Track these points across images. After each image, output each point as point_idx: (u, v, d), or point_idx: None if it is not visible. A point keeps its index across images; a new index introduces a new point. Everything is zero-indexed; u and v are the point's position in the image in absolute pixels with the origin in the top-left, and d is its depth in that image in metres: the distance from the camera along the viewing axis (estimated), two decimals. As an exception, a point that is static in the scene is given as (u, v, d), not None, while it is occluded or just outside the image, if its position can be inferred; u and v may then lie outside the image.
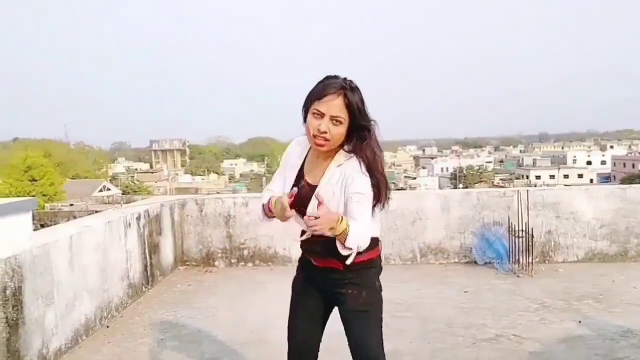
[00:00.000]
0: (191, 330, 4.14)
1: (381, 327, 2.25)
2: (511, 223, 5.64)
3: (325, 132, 2.02)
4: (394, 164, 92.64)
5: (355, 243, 1.98)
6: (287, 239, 6.01)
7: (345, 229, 1.94)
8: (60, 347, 3.66)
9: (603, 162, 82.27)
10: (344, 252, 2.00)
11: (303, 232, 2.06)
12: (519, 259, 5.51)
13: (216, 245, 6.09)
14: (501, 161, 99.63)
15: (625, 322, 4.02)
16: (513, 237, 5.57)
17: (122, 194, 49.83)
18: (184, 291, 5.22)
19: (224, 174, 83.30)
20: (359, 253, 2.05)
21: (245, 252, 6.07)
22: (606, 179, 70.78)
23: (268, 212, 2.24)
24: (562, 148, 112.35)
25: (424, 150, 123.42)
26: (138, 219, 5.03)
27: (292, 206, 2.04)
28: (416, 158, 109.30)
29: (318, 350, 2.42)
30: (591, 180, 70.77)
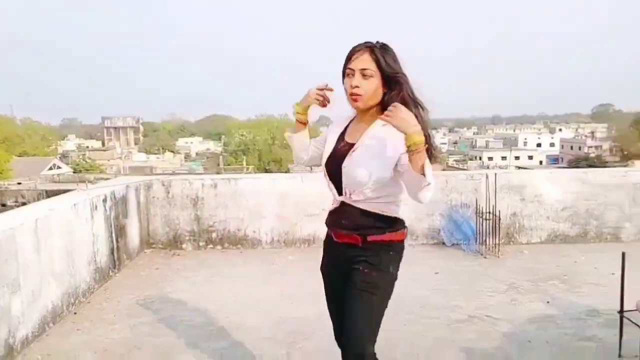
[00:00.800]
0: (164, 316, 4.05)
1: (381, 317, 2.16)
2: (479, 205, 5.74)
3: (358, 87, 2.08)
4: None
5: (431, 177, 1.86)
6: (257, 221, 5.96)
7: (423, 144, 1.84)
8: (27, 336, 3.52)
9: (552, 145, 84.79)
10: (422, 184, 1.86)
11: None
12: (485, 241, 5.63)
13: (183, 227, 5.97)
14: (455, 143, 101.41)
15: (591, 302, 4.16)
16: (480, 219, 5.67)
17: (73, 172, 48.41)
18: (152, 275, 5.11)
19: (179, 153, 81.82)
20: (382, 231, 2.11)
21: (214, 234, 5.98)
22: (555, 160, 73.13)
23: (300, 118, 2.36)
24: (514, 130, 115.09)
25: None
26: (104, 201, 4.87)
27: (328, 167, 2.21)
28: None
29: None
30: (540, 162, 73.01)
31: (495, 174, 5.95)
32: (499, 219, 5.57)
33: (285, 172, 43.28)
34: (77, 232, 4.31)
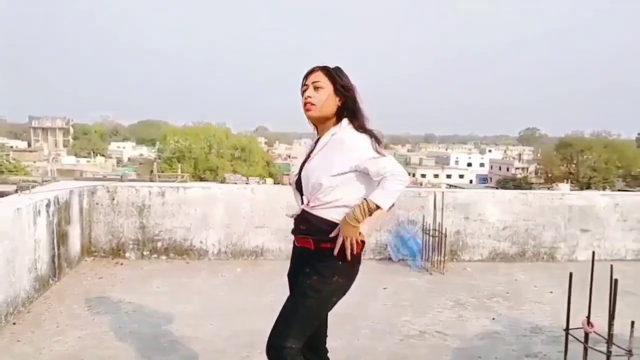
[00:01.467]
0: (111, 327, 3.90)
1: (310, 320, 2.30)
2: (425, 222, 5.88)
3: (310, 97, 2.30)
4: (289, 156, 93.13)
5: (388, 199, 2.23)
6: (204, 231, 5.86)
7: (366, 208, 2.21)
8: (-37, 347, 3.30)
9: (482, 164, 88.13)
10: (389, 211, 2.26)
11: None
12: (430, 257, 5.77)
13: (127, 235, 5.78)
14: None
15: (533, 319, 4.35)
16: (426, 236, 5.81)
17: (-4, 173, 45.79)
18: (96, 284, 4.91)
19: (111, 157, 79.14)
20: (324, 241, 2.27)
21: (159, 244, 5.82)
22: (484, 180, 76.05)
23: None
24: (446, 149, 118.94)
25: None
26: (48, 205, 4.65)
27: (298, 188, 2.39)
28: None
29: (324, 331, 2.61)
30: (471, 181, 75.71)
31: (443, 192, 6.13)
32: (445, 236, 5.73)
33: (221, 181, 42.71)
34: (19, 238, 4.09)
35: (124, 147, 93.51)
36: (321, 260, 2.28)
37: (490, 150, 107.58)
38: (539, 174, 62.83)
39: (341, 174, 2.24)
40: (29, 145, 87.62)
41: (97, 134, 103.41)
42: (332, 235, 2.25)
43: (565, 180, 51.42)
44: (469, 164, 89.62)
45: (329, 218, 2.27)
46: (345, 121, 2.32)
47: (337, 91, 2.31)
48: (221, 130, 62.56)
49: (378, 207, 2.20)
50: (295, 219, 2.40)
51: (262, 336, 3.83)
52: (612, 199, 6.50)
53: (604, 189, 46.12)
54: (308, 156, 2.39)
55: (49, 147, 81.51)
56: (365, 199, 2.22)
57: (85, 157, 76.05)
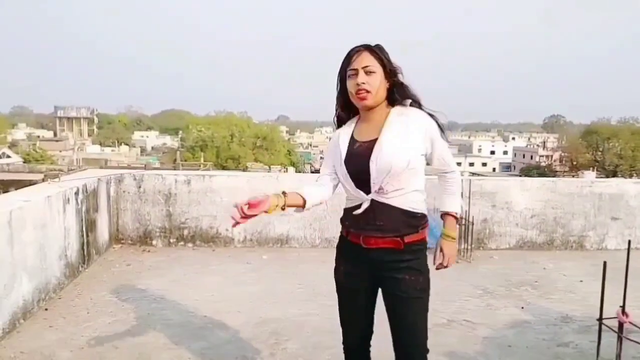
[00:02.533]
0: (140, 314, 3.94)
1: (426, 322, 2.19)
2: (452, 210, 5.81)
3: (364, 83, 2.07)
4: (310, 145, 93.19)
5: (461, 205, 2.30)
6: (230, 219, 5.86)
7: (455, 222, 2.26)
8: (-3, 332, 3.37)
9: (505, 152, 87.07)
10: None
11: (357, 206, 2.10)
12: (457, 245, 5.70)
13: (154, 223, 5.83)
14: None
15: (563, 308, 4.28)
16: (453, 224, 5.75)
17: (23, 162, 46.71)
18: (124, 271, 4.97)
19: (135, 146, 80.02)
20: (415, 230, 2.10)
21: (186, 231, 5.86)
22: (507, 168, 75.19)
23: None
24: (469, 137, 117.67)
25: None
26: (77, 194, 4.70)
27: (349, 168, 2.11)
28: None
29: (371, 338, 2.35)
30: (494, 169, 74.92)
31: (470, 180, 6.06)
32: (472, 224, 5.67)
33: (243, 169, 42.93)
34: (49, 225, 4.15)
35: (147, 137, 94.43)
36: (414, 257, 2.10)
37: (514, 138, 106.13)
38: (563, 162, 61.90)
39: (422, 155, 2.10)
40: (55, 134, 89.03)
41: (121, 123, 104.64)
42: (437, 264, 2.20)
43: (591, 168, 50.55)
44: (492, 152, 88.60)
45: (408, 208, 2.07)
46: (408, 101, 2.16)
47: (387, 74, 2.12)
48: (243, 119, 62.80)
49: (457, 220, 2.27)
50: (358, 214, 2.09)
51: (289, 324, 3.88)
52: (644, 187, 6.35)
53: (630, 176, 45.30)
54: (355, 143, 2.14)
55: (74, 136, 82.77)
56: (448, 213, 2.25)
57: (109, 146, 77.07)
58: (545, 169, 58.94)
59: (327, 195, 2.26)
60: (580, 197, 6.19)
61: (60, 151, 62.03)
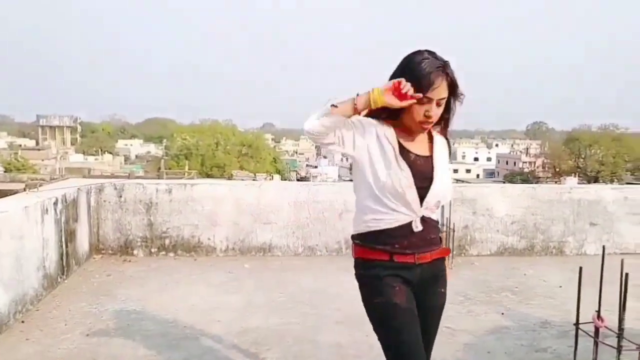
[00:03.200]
0: (119, 325, 3.91)
1: None
2: (433, 218, 5.85)
3: (432, 116, 1.95)
4: (296, 152, 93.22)
5: None
6: (211, 228, 5.86)
7: None
8: (-28, 345, 3.32)
9: (489, 159, 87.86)
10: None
11: (407, 225, 1.98)
12: (438, 252, 5.74)
13: (135, 233, 5.79)
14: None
15: (542, 313, 4.32)
16: (434, 231, 5.78)
17: (4, 171, 46.11)
18: (104, 282, 4.92)
19: (118, 155, 79.45)
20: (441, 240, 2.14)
21: (167, 241, 5.82)
22: (491, 174, 75.81)
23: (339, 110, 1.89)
24: (453, 144, 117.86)
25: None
26: (55, 204, 4.66)
27: (416, 182, 1.95)
28: (317, 147, 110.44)
29: None
30: (478, 176, 75.48)
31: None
32: (453, 231, 5.71)
33: (228, 178, 42.78)
34: (27, 236, 4.10)
35: (131, 145, 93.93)
36: (444, 266, 2.15)
37: (497, 145, 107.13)
38: (546, 168, 62.61)
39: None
40: (37, 143, 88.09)
41: (104, 132, 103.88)
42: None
43: (573, 174, 51.25)
44: (476, 159, 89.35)
45: (436, 218, 2.10)
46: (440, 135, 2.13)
47: (449, 103, 2.01)
48: (228, 127, 62.67)
49: None
50: (413, 232, 1.97)
51: (270, 333, 3.87)
52: (621, 193, 6.45)
53: (612, 182, 45.98)
54: (407, 152, 1.99)
55: (57, 145, 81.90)
56: None
57: (93, 155, 76.45)
58: (529, 175, 59.55)
59: (322, 124, 1.89)
60: (559, 203, 6.26)
61: (43, 160, 61.34)
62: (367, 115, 2.01)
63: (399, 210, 1.95)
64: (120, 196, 5.76)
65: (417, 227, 1.96)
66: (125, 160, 73.73)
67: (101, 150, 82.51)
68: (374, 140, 1.97)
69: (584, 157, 57.13)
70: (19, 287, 3.96)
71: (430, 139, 2.10)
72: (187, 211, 5.83)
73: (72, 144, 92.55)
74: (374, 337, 2.28)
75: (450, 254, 5.66)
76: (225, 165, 53.09)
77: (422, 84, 1.89)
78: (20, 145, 78.87)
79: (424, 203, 1.96)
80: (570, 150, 58.55)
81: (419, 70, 1.90)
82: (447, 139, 2.15)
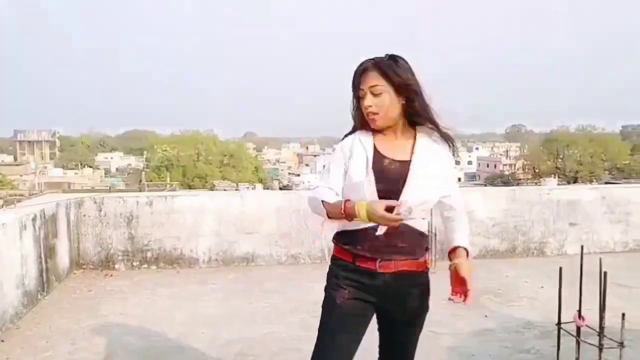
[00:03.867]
0: (102, 341, 3.85)
1: None
2: (415, 222, 5.89)
3: (371, 106, 1.93)
4: (278, 161, 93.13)
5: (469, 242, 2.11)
6: (193, 239, 5.83)
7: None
8: (-50, 367, 3.25)
9: (470, 162, 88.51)
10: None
11: (372, 228, 1.91)
12: (421, 257, 5.77)
13: (116, 247, 5.73)
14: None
15: (525, 314, 4.36)
16: (417, 236, 5.82)
17: (-18, 188, 45.31)
18: (85, 297, 4.86)
19: (98, 168, 78.65)
20: (426, 251, 2.05)
21: (149, 254, 5.78)
22: (472, 177, 76.45)
23: (331, 212, 1.89)
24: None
25: (307, 148, 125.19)
26: (34, 220, 4.60)
27: (379, 187, 1.89)
28: (299, 155, 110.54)
29: None
30: (459, 179, 75.97)
31: (431, 191, 6.13)
32: (435, 235, 5.74)
33: (210, 188, 42.57)
34: (5, 253, 4.03)
35: (111, 158, 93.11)
36: (425, 281, 2.08)
37: (477, 148, 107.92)
38: (526, 170, 63.32)
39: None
40: (15, 159, 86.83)
41: (83, 145, 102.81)
42: (469, 288, 2.05)
43: (553, 175, 51.90)
44: (457, 162, 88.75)
45: (422, 229, 2.02)
46: (440, 139, 2.03)
47: (398, 90, 1.93)
48: (209, 137, 62.48)
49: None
50: (377, 235, 1.93)
51: (255, 343, 3.85)
52: (599, 192, 6.55)
53: (590, 182, 46.67)
54: (383, 157, 1.96)
55: (36, 160, 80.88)
56: (460, 247, 2.09)
57: (72, 169, 75.52)
58: (509, 178, 60.23)
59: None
60: (539, 204, 6.34)
61: (21, 175, 60.46)
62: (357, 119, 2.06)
63: None
64: (100, 210, 5.70)
65: (381, 231, 1.91)
66: (105, 174, 73.01)
67: (81, 164, 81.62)
68: (350, 158, 1.99)
69: (562, 158, 57.91)
70: (-2, 306, 3.89)
71: (414, 142, 2.01)
72: (168, 223, 5.79)
73: (51, 158, 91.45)
74: (360, 346, 2.27)
75: (433, 258, 5.69)
76: (207, 176, 52.92)
77: (355, 81, 1.98)
78: (-2, 161, 77.63)
79: (396, 208, 1.83)
80: (548, 151, 59.33)
81: (352, 76, 1.99)
82: (448, 140, 2.02)
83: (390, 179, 1.92)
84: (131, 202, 5.75)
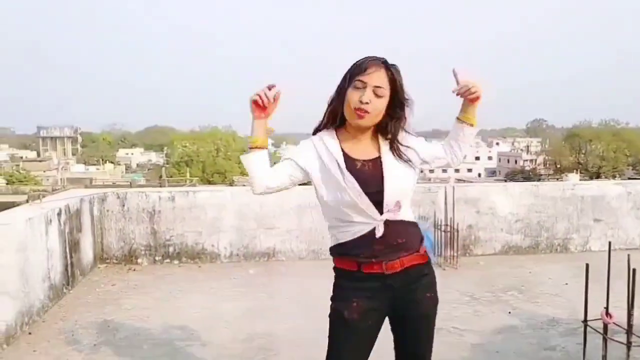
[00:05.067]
0: (126, 334, 3.90)
1: None
2: (437, 217, 5.85)
3: (368, 103, 1.88)
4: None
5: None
6: (215, 234, 5.86)
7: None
8: (-20, 359, 3.31)
9: (490, 158, 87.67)
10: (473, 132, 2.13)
11: (370, 233, 1.90)
12: (442, 252, 5.74)
13: (139, 241, 5.79)
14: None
15: (550, 311, 4.30)
16: (438, 231, 5.78)
17: (7, 183, 46.19)
18: (109, 291, 4.92)
19: (119, 164, 79.52)
20: (422, 240, 2.03)
21: (171, 248, 5.82)
22: (492, 173, 75.78)
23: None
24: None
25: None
26: (59, 214, 4.66)
27: (363, 188, 1.90)
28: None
29: None
30: (479, 175, 75.45)
31: (453, 187, 6.08)
32: (457, 231, 5.70)
33: (230, 184, 42.79)
34: (31, 248, 4.10)
35: (132, 154, 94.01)
36: (430, 270, 2.03)
37: (497, 143, 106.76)
38: (547, 165, 62.54)
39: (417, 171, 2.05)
40: (38, 155, 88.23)
41: (105, 141, 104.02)
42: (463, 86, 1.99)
43: (575, 171, 51.16)
44: (477, 158, 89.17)
45: (409, 219, 1.99)
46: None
47: (394, 101, 1.95)
48: (228, 133, 62.74)
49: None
50: (376, 239, 1.90)
51: (277, 338, 3.86)
52: (625, 188, 6.43)
53: (613, 177, 45.86)
54: (353, 160, 1.95)
55: (58, 156, 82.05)
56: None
57: (94, 164, 76.56)
58: (530, 173, 59.53)
59: (268, 177, 1.98)
60: (562, 200, 6.25)
61: (44, 171, 61.42)
62: (315, 132, 2.05)
63: (357, 221, 1.91)
64: (123, 205, 5.76)
65: (379, 232, 1.90)
66: (126, 169, 73.80)
67: (102, 159, 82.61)
68: (316, 161, 1.97)
69: (584, 153, 57.05)
70: (25, 299, 3.96)
71: (377, 141, 2.02)
72: (190, 218, 5.83)
73: (73, 154, 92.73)
74: (381, 341, 2.25)
75: (455, 254, 5.65)
76: (227, 172, 53.13)
77: (357, 70, 1.92)
78: (22, 157, 79.01)
79: (384, 206, 1.89)
80: (570, 146, 58.47)
81: (356, 62, 1.95)
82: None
83: (369, 180, 1.91)
84: (153, 197, 5.80)
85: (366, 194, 1.89)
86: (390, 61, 1.97)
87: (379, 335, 2.05)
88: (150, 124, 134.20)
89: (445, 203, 5.95)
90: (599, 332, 3.24)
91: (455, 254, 5.67)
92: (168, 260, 5.83)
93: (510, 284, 5.03)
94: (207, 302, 4.63)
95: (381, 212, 1.90)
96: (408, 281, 1.95)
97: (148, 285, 5.08)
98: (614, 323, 3.12)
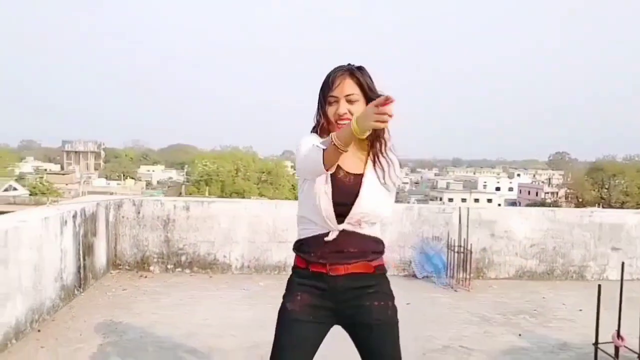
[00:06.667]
0: (133, 337, 3.92)
1: None
2: (450, 238, 5.81)
3: (345, 113, 1.95)
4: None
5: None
6: (227, 245, 5.88)
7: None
8: (-12, 352, 3.35)
9: (510, 189, 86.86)
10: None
11: (324, 234, 1.95)
12: (455, 274, 5.68)
13: (152, 249, 5.83)
14: (416, 183, 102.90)
15: (561, 336, 4.23)
16: (451, 253, 5.73)
17: (30, 194, 47.01)
18: (120, 296, 4.95)
19: (140, 180, 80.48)
20: (380, 254, 2.04)
21: (183, 257, 5.85)
22: (512, 204, 74.94)
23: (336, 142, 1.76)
24: (474, 173, 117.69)
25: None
26: (74, 217, 4.73)
27: (335, 198, 1.93)
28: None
29: None
30: (499, 205, 74.60)
31: (468, 208, 6.05)
32: (470, 253, 5.64)
33: (249, 204, 42.96)
34: (46, 246, 4.16)
35: (153, 171, 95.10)
36: (382, 281, 2.05)
37: (519, 175, 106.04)
38: (569, 199, 61.67)
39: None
40: (62, 168, 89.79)
41: (127, 157, 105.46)
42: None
43: (597, 205, 50.34)
44: (498, 188, 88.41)
45: (375, 235, 2.04)
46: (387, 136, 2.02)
47: (368, 101, 1.95)
48: (248, 154, 63.33)
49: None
50: (326, 242, 1.96)
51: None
52: (644, 217, 6.32)
53: (637, 214, 45.01)
54: (338, 169, 1.96)
55: (81, 170, 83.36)
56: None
57: (115, 179, 77.52)
58: (551, 206, 58.77)
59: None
60: (580, 226, 6.17)
61: (67, 184, 62.42)
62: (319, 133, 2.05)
63: (316, 222, 1.98)
64: (139, 212, 5.82)
65: (331, 237, 1.96)
66: (147, 185, 74.61)
67: (123, 175, 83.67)
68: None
69: (607, 188, 56.25)
70: (37, 297, 4.00)
71: (366, 154, 2.02)
72: (203, 228, 5.87)
73: (95, 168, 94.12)
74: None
75: (468, 277, 5.59)
76: (245, 192, 53.42)
77: (326, 88, 1.99)
78: (46, 170, 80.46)
79: (347, 218, 1.94)
80: (593, 180, 57.73)
81: (324, 79, 2.01)
82: (387, 154, 2.01)
83: (344, 193, 1.95)
84: (168, 205, 5.86)
85: (336, 203, 1.94)
86: (355, 64, 2.02)
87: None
88: (173, 142, 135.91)
89: (460, 224, 5.90)
90: (610, 356, 3.18)
91: (468, 276, 5.61)
92: (180, 269, 5.85)
93: (522, 308, 4.95)
94: (216, 310, 4.63)
95: (341, 222, 1.95)
96: (352, 286, 1.98)
97: (158, 292, 5.10)
98: (625, 346, 3.06)
